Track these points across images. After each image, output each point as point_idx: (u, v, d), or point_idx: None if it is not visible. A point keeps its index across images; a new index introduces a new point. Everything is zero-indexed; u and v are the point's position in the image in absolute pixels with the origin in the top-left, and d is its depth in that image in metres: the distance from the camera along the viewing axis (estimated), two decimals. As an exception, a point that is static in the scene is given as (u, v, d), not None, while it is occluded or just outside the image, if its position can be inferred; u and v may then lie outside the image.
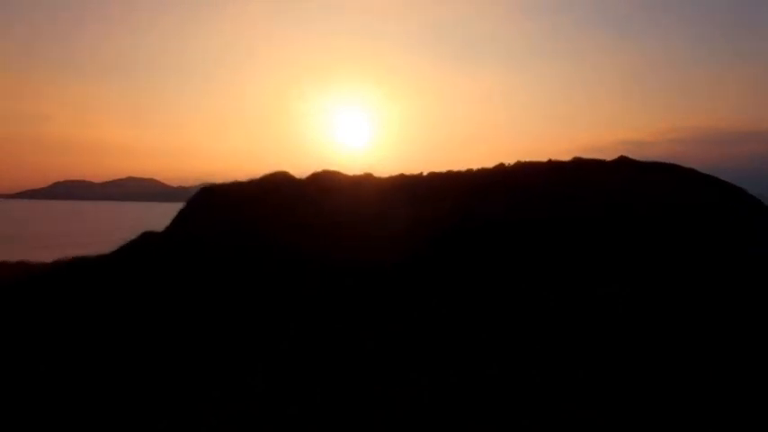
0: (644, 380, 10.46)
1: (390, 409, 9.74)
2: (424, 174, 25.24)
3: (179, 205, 24.56)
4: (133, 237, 20.44)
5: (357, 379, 11.00)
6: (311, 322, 13.91)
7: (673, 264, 16.11)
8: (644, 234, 17.59)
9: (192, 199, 24.23)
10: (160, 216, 25.78)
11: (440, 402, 9.90)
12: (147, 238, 20.09)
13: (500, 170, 24.86)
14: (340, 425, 9.35)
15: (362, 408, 9.85)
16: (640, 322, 12.98)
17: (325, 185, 23.47)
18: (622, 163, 25.38)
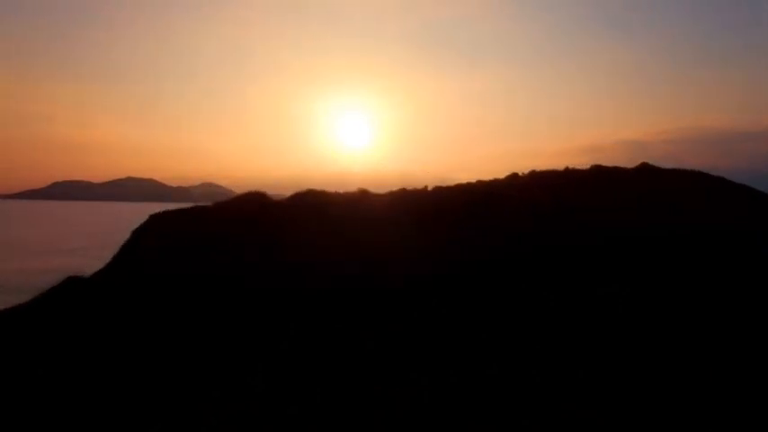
0: (644, 380, 10.45)
1: (390, 409, 9.73)
2: (429, 188, 22.58)
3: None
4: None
5: (357, 379, 10.99)
6: (311, 322, 13.91)
7: (676, 264, 16.11)
8: (658, 240, 17.56)
9: (140, 228, 20.84)
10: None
11: (440, 402, 9.89)
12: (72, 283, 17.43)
13: (514, 182, 23.10)
14: (340, 425, 9.35)
15: (362, 408, 9.84)
16: (640, 322, 12.97)
17: (309, 207, 20.04)
18: (644, 170, 25.05)
